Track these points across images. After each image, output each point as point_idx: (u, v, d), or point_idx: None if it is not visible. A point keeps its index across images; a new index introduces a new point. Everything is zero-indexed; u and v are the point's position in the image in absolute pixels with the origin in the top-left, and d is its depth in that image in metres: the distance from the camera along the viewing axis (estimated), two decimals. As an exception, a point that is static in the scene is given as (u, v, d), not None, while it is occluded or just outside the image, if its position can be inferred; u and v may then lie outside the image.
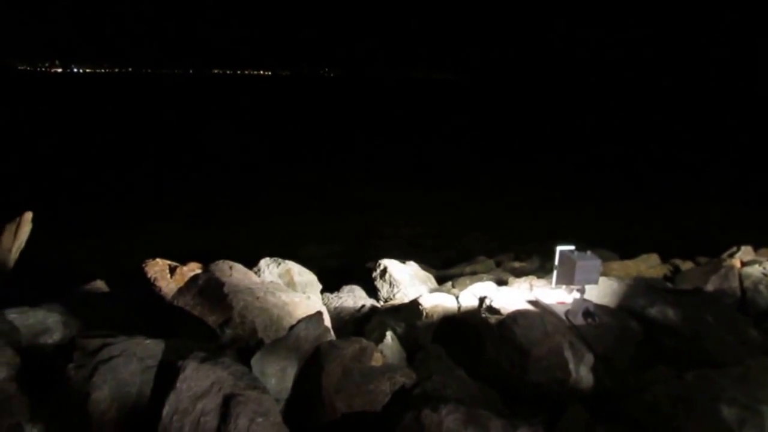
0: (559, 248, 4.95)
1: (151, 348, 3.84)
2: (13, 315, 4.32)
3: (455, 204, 17.12)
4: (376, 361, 4.27)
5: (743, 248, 7.97)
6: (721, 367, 4.05)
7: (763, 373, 3.90)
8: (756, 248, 8.13)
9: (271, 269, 6.81)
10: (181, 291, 5.54)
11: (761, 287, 6.32)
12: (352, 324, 5.99)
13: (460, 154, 29.10)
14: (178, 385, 3.34)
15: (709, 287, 6.43)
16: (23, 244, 5.76)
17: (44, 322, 4.39)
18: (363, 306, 6.42)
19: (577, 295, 4.90)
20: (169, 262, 6.29)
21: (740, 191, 19.29)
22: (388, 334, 4.97)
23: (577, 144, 35.09)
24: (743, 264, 7.03)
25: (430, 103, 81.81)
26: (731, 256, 7.79)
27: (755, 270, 6.58)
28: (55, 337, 4.33)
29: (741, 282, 6.48)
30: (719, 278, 6.49)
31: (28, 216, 5.83)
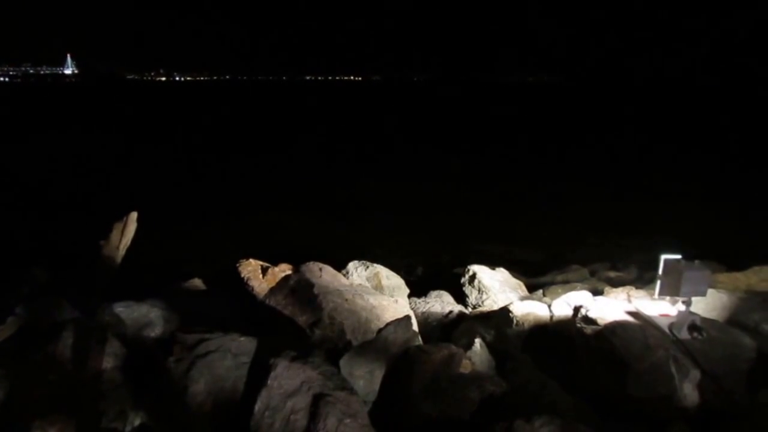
0: (663, 257, 4.64)
1: (245, 345, 3.95)
2: (120, 308, 4.58)
3: (547, 210, 16.70)
4: (465, 368, 4.20)
5: None
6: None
7: None
8: None
9: (359, 272, 6.87)
10: (273, 291, 5.68)
11: None
12: (439, 329, 5.94)
13: (548, 158, 28.41)
14: (269, 382, 3.42)
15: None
16: (129, 242, 6.07)
17: (147, 316, 4.62)
18: (451, 312, 6.34)
19: (682, 308, 4.60)
20: (261, 262, 6.45)
21: None
22: (477, 341, 4.88)
23: (678, 144, 33.36)
24: None
25: (520, 106, 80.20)
26: None
27: None
28: (156, 330, 4.54)
29: None
30: None
31: (134, 216, 6.15)
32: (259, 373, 3.58)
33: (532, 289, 7.70)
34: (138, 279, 6.05)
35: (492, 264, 7.71)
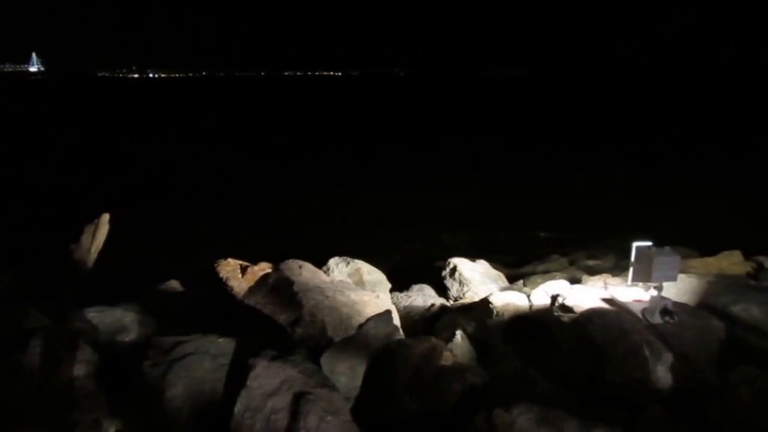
0: (635, 244, 4.73)
1: (224, 346, 3.90)
2: (92, 314, 4.48)
3: (527, 202, 16.75)
4: (446, 360, 4.20)
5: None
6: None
7: None
8: None
9: (340, 268, 6.83)
10: (252, 290, 5.63)
11: None
12: (421, 323, 5.93)
13: (528, 151, 28.53)
14: (249, 383, 3.38)
15: (797, 284, 6.03)
16: (101, 245, 5.94)
17: (121, 321, 4.53)
18: (433, 305, 6.35)
19: (655, 293, 4.69)
20: (240, 262, 6.38)
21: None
22: (458, 333, 4.89)
23: (650, 136, 33.76)
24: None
25: (496, 100, 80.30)
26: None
27: None
28: (131, 335, 4.46)
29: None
30: (807, 275, 6.08)
31: (106, 217, 6.02)
32: (238, 374, 3.54)
33: (513, 279, 7.74)
34: (112, 283, 5.91)
35: (473, 256, 7.73)
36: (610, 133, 36.13)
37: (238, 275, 6.14)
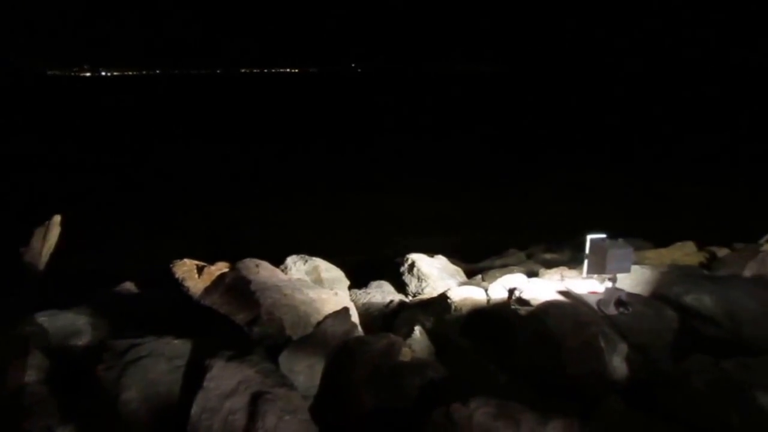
0: (589, 237, 4.83)
1: (179, 348, 3.84)
2: (43, 318, 4.36)
3: (485, 199, 16.92)
4: (405, 356, 4.22)
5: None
6: (760, 355, 3.95)
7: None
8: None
9: (298, 266, 6.80)
10: (208, 290, 5.55)
11: (801, 272, 6.08)
12: (380, 319, 5.96)
13: (484, 149, 28.79)
14: (205, 384, 3.34)
15: (747, 273, 6.20)
16: (53, 247, 5.81)
17: (74, 324, 4.41)
18: (391, 301, 6.38)
19: (609, 285, 4.80)
20: (196, 262, 6.30)
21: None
22: (417, 329, 4.91)
23: (606, 133, 34.46)
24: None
25: (455, 98, 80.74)
26: (769, 241, 7.56)
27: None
28: (84, 339, 4.34)
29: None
30: (757, 264, 6.25)
31: (57, 219, 5.89)
32: (195, 376, 3.48)
33: (471, 274, 7.82)
34: (63, 286, 5.77)
35: (433, 252, 7.79)
36: (565, 131, 36.76)
37: (195, 275, 6.07)
